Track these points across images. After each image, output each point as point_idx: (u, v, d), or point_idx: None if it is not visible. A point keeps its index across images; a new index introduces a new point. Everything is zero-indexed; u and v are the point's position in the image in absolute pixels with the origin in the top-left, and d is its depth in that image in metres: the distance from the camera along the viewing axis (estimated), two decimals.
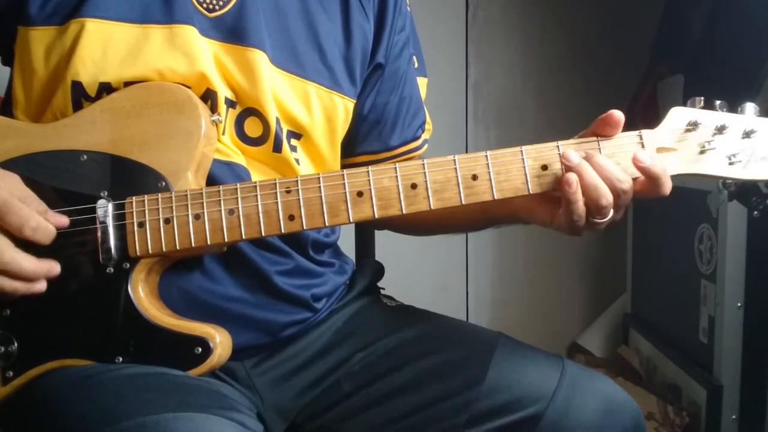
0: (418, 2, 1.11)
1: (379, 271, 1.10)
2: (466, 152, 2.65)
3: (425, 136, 1.13)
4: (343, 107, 0.96)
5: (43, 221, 0.77)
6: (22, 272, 0.77)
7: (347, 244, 1.18)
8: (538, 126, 2.44)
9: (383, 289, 1.10)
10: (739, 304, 1.67)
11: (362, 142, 1.06)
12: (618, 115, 0.79)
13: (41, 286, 0.79)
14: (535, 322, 2.48)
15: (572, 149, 0.79)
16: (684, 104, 0.83)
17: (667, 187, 0.79)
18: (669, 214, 1.98)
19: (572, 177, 0.77)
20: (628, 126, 0.84)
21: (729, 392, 1.70)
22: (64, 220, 0.80)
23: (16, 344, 0.81)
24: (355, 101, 0.99)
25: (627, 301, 2.32)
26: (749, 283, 1.66)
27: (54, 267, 0.79)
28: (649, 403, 1.92)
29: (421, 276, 2.33)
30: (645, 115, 2.22)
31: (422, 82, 1.13)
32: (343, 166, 1.04)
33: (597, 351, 2.44)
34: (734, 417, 1.70)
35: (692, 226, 1.80)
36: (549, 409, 0.86)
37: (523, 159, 0.81)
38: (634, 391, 1.99)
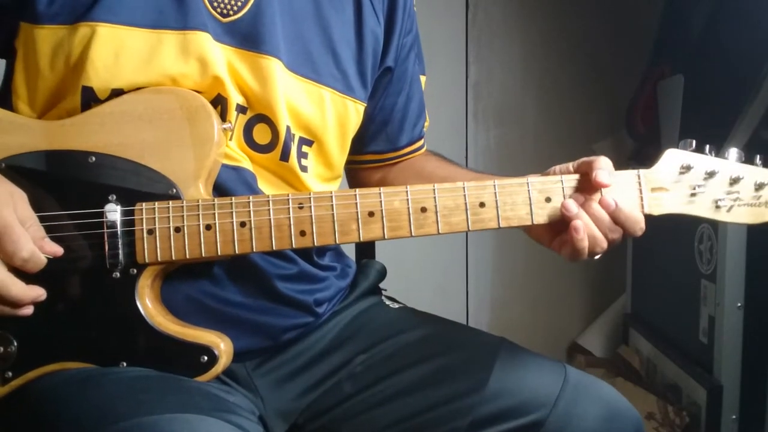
0: (418, 2, 1.11)
1: (381, 272, 1.10)
2: (466, 152, 2.64)
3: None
4: (355, 111, 0.96)
5: (36, 252, 0.76)
6: (9, 296, 0.76)
7: (348, 244, 1.17)
8: (538, 126, 2.44)
9: (385, 290, 1.10)
10: (739, 304, 1.67)
11: (370, 143, 1.07)
12: (604, 177, 0.83)
13: (27, 311, 0.78)
14: (535, 323, 2.48)
15: (571, 199, 0.84)
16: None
17: (640, 227, 0.85)
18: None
19: (580, 224, 0.83)
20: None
21: (729, 392, 1.70)
22: (58, 250, 0.79)
23: (15, 345, 0.81)
24: (365, 105, 0.98)
25: (627, 301, 2.32)
26: (749, 283, 1.67)
27: (42, 294, 0.79)
28: (649, 403, 1.92)
29: (421, 276, 2.33)
30: (645, 115, 2.22)
31: (420, 80, 1.14)
32: (349, 163, 1.05)
33: (597, 351, 2.44)
34: (734, 417, 1.71)
35: (692, 226, 1.81)
36: (551, 416, 0.87)
37: (528, 190, 0.84)
38: (634, 391, 1.99)
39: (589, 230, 0.83)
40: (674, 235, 1.91)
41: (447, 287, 2.45)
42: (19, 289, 0.77)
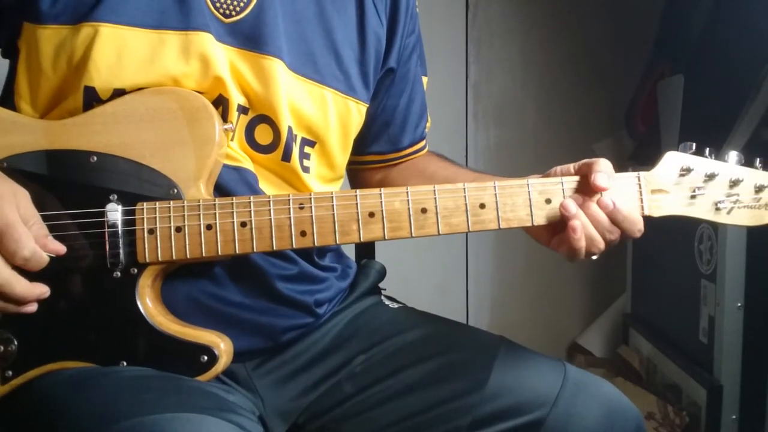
0: (418, 2, 1.11)
1: (381, 272, 1.10)
2: (466, 152, 2.63)
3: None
4: (357, 112, 0.97)
5: (38, 251, 0.76)
6: (14, 295, 0.76)
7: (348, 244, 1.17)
8: (538, 126, 2.44)
9: (384, 290, 1.10)
10: (739, 304, 1.67)
11: (371, 144, 1.07)
12: (602, 181, 0.84)
13: (31, 308, 0.79)
14: (535, 323, 2.48)
15: (570, 199, 0.85)
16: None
17: (638, 229, 0.86)
18: None
19: (578, 224, 0.83)
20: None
21: (729, 392, 1.70)
22: (61, 248, 0.79)
23: (16, 344, 0.81)
24: (367, 105, 0.99)
25: (627, 301, 2.32)
26: (749, 283, 1.67)
27: (46, 291, 0.79)
28: (649, 403, 1.92)
29: (421, 276, 2.33)
30: (645, 115, 2.22)
31: (422, 81, 1.14)
32: (350, 164, 1.05)
33: (597, 351, 2.44)
34: (734, 417, 1.70)
35: (692, 226, 1.80)
36: (551, 414, 0.87)
37: (528, 191, 0.85)
38: (634, 391, 1.99)
39: (586, 230, 0.83)
40: (674, 235, 1.91)
41: (447, 287, 2.46)
42: (23, 286, 0.77)
